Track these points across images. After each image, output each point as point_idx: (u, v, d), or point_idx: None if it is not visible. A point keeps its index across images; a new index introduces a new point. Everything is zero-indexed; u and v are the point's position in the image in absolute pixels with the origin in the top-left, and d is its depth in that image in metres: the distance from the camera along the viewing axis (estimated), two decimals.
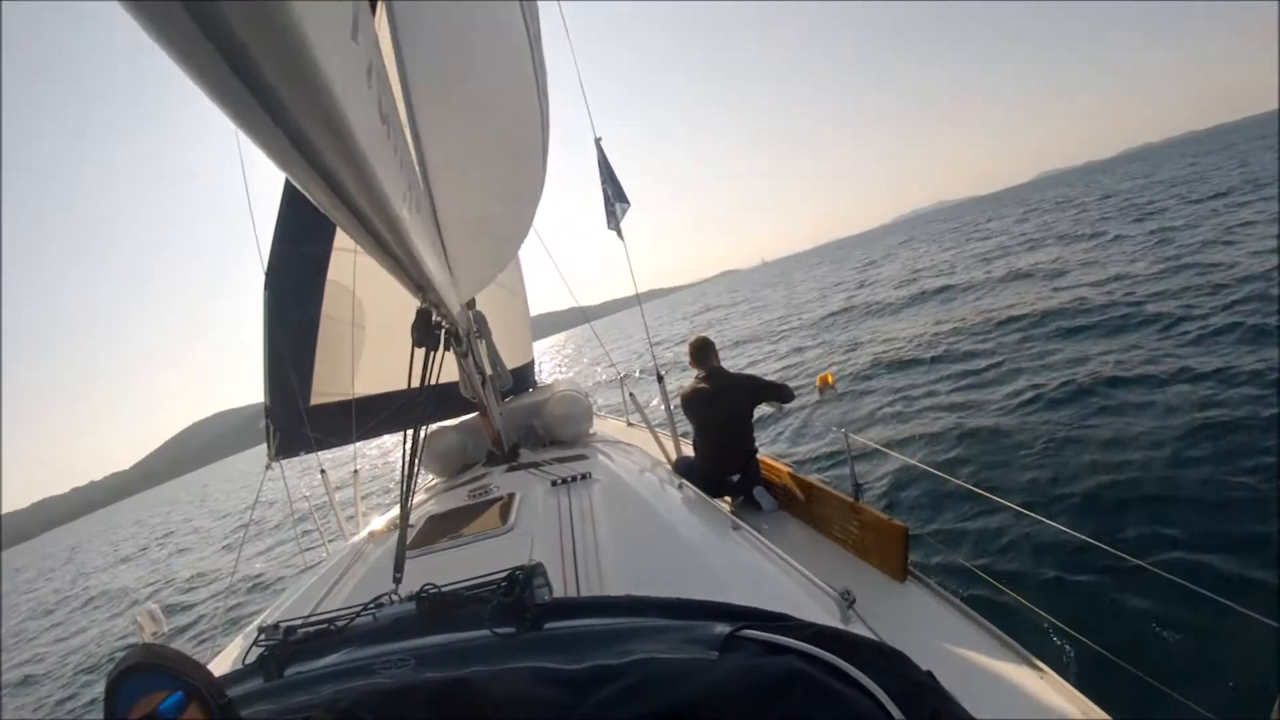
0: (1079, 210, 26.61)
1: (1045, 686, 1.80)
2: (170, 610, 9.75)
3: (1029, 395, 6.11)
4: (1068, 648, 2.66)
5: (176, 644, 7.53)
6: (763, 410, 3.76)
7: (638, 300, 5.07)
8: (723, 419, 3.56)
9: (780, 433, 7.60)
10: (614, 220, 4.58)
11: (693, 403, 3.68)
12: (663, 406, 4.28)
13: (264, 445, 4.15)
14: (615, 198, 4.59)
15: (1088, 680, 2.05)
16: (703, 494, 2.61)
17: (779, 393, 3.57)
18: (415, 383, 1.85)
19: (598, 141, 4.56)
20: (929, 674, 0.92)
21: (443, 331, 2.10)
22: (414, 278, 1.60)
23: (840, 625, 1.48)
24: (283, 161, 0.74)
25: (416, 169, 2.34)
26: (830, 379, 3.43)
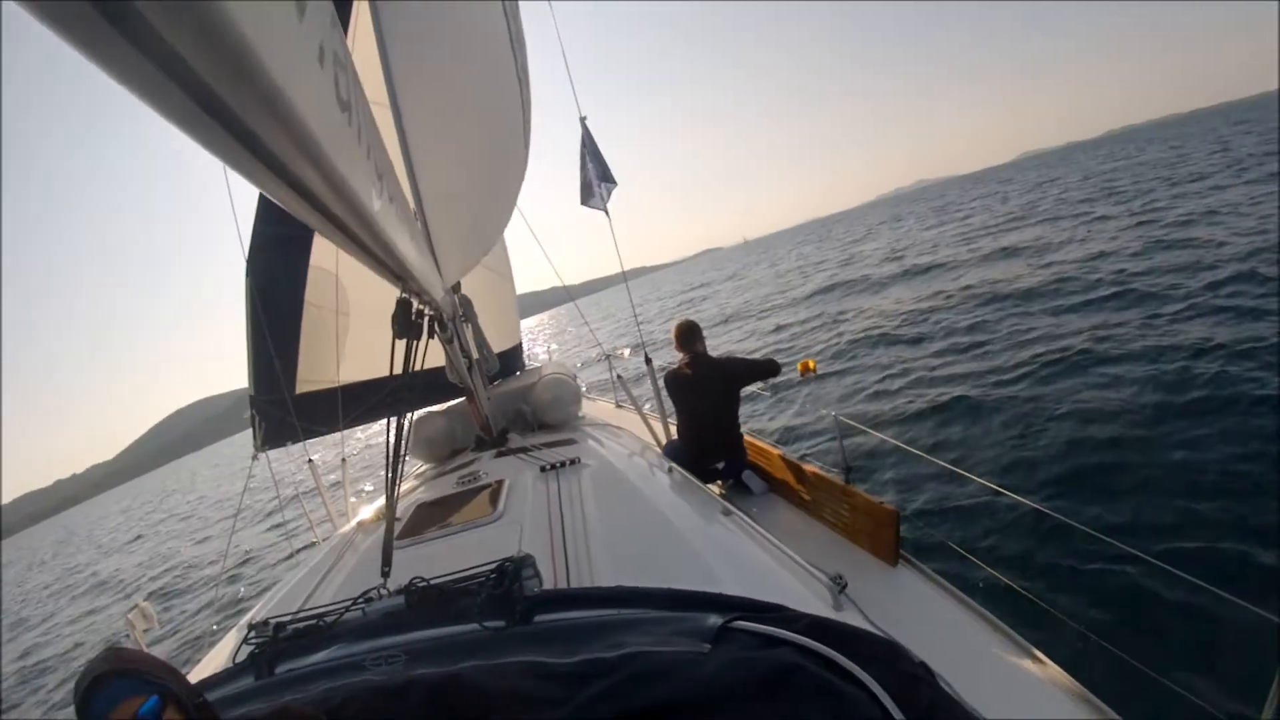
0: (1061, 190, 26.71)
1: (1038, 672, 1.78)
2: (166, 596, 9.71)
3: (1019, 371, 6.14)
4: (1061, 634, 2.62)
5: (171, 638, 7.51)
6: (751, 389, 3.75)
7: (624, 279, 5.04)
8: (705, 407, 3.55)
9: (779, 410, 7.61)
10: (598, 199, 4.51)
11: (675, 386, 3.67)
12: (651, 388, 4.26)
13: (249, 430, 4.10)
14: (600, 177, 4.51)
15: (1081, 667, 2.02)
16: (693, 478, 2.60)
17: (765, 370, 3.56)
18: (398, 372, 1.82)
19: (583, 120, 4.48)
20: (923, 665, 0.91)
21: (426, 320, 2.06)
22: (391, 268, 1.55)
23: (832, 611, 1.47)
24: (225, 155, 0.66)
25: (399, 156, 2.28)
26: (812, 365, 3.45)
